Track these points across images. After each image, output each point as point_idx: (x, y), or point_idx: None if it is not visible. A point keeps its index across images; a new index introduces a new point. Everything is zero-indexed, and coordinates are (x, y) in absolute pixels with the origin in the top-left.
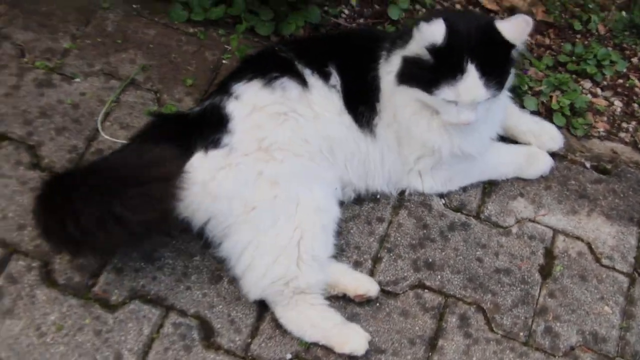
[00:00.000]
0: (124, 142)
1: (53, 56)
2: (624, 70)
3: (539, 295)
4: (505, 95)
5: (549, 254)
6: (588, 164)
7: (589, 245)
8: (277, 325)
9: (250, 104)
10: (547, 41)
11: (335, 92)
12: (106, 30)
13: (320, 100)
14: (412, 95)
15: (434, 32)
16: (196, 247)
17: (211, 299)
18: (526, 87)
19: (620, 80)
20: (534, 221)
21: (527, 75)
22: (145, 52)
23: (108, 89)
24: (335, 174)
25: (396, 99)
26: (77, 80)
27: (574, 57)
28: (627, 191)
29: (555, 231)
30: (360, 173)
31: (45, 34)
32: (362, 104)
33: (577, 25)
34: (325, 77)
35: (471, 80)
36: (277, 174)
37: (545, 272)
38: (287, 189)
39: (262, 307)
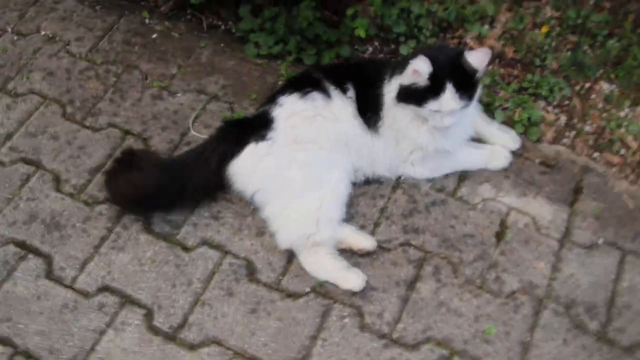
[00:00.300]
0: (205, 137)
1: (165, 79)
2: (569, 94)
3: (493, 253)
4: (474, 107)
5: (503, 224)
6: (537, 161)
7: (533, 219)
8: (301, 268)
9: (290, 110)
10: (515, 72)
11: (350, 102)
12: (201, 62)
13: (339, 108)
14: (407, 109)
15: (422, 67)
16: (248, 211)
17: (256, 247)
18: (497, 104)
19: (566, 102)
20: (494, 200)
21: (499, 95)
22: (225, 76)
23: (198, 101)
24: (349, 161)
25: (395, 111)
26: (179, 95)
27: (533, 84)
28: (564, 181)
29: (510, 208)
30: (367, 161)
31: (161, 64)
32: (370, 111)
33: (537, 62)
34: (344, 91)
35: (449, 95)
36: (306, 160)
37: (500, 237)
38: (313, 171)
39: (291, 255)
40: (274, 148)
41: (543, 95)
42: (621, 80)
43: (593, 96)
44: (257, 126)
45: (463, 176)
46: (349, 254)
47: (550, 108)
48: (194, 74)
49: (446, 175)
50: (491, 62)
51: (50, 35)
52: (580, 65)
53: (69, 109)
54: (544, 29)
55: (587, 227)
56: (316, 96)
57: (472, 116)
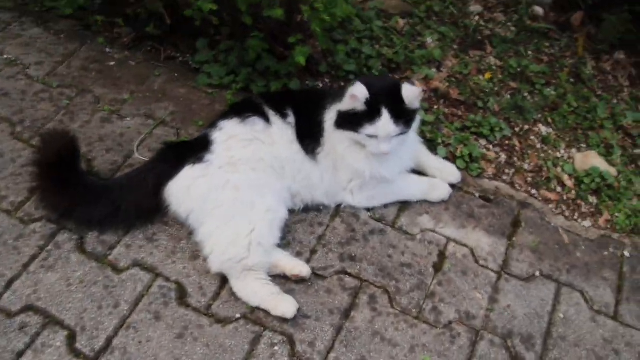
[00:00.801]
0: (147, 159)
1: (116, 103)
2: (509, 134)
3: (430, 284)
4: (414, 139)
5: (442, 255)
6: (477, 194)
7: (471, 250)
8: (232, 293)
9: (228, 133)
10: (459, 112)
11: (290, 127)
12: (153, 89)
13: (278, 132)
14: (345, 135)
15: (360, 92)
16: (184, 234)
17: (188, 271)
18: (440, 141)
19: (507, 142)
20: (433, 231)
21: (442, 132)
22: (175, 103)
23: (146, 125)
24: (284, 185)
25: (334, 137)
26: (128, 119)
27: (475, 124)
28: (502, 214)
29: (448, 239)
30: (305, 185)
31: (114, 89)
32: (309, 137)
33: (480, 104)
34: (284, 116)
35: (385, 120)
36: (240, 182)
37: (437, 267)
38: (246, 193)
39: (224, 279)
40: (209, 170)
41: (484, 135)
42: (557, 123)
43: (532, 137)
44: (196, 149)
45: (403, 207)
46: (282, 280)
47: (491, 147)
48: (145, 100)
49: (386, 206)
50: (436, 102)
51: (12, 59)
52: (520, 109)
53: (18, 128)
54: (487, 75)
55: (524, 259)
56: (256, 121)
57: (412, 147)
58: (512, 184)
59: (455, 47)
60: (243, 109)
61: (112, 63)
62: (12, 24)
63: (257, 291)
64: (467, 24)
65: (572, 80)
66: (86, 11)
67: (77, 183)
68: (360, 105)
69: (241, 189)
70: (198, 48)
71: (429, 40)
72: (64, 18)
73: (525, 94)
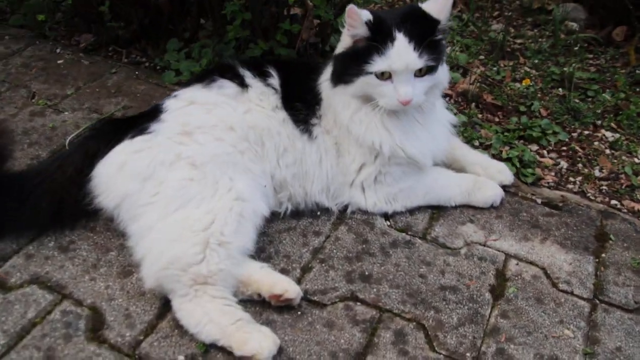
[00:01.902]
0: None
1: (55, 98)
2: (567, 140)
3: (489, 315)
4: (446, 115)
5: (501, 276)
6: (539, 201)
7: (543, 269)
8: (178, 326)
9: (187, 99)
10: (496, 119)
11: (273, 91)
12: (106, 85)
13: (256, 97)
14: (348, 92)
15: (358, 11)
16: (115, 243)
17: (113, 292)
18: (477, 143)
19: (564, 147)
20: (484, 245)
21: (479, 133)
22: (131, 99)
23: (88, 119)
24: (263, 168)
25: (335, 101)
26: (66, 113)
27: (520, 126)
28: (580, 225)
29: (507, 255)
30: (294, 173)
31: (57, 85)
32: (299, 101)
33: (522, 108)
34: (264, 77)
35: (401, 45)
36: (196, 156)
37: (497, 292)
38: (205, 173)
39: (166, 306)
40: (154, 141)
41: (534, 137)
42: (626, 128)
43: (596, 143)
44: (140, 120)
45: (436, 214)
46: (257, 307)
47: (545, 152)
48: (92, 95)
49: (411, 212)
50: (466, 105)
51: None
52: (574, 113)
53: None
54: (526, 82)
55: (626, 282)
56: (225, 84)
57: (446, 123)
58: (582, 193)
59: (482, 57)
60: (206, 75)
61: (61, 61)
62: None
63: (214, 318)
64: (491, 38)
65: (631, 86)
66: (43, 22)
67: None
68: (362, 31)
69: (199, 166)
70: (168, 49)
71: (452, 47)
72: (16, 27)
73: (577, 100)
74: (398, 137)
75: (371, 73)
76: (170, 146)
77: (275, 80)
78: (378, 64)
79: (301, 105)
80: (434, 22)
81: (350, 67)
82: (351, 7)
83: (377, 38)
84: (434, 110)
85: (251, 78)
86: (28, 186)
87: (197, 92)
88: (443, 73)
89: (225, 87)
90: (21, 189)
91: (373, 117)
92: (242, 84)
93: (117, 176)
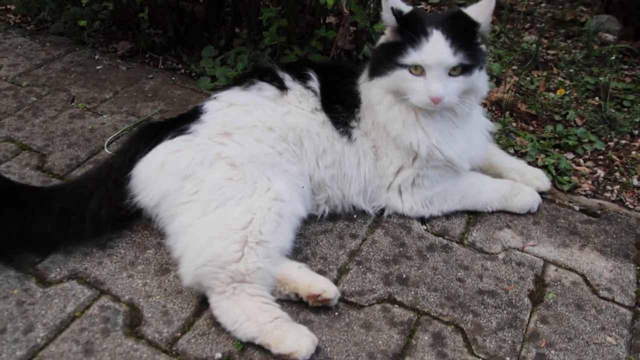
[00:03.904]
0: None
1: (93, 102)
2: (603, 149)
3: (529, 320)
4: (484, 121)
5: (540, 281)
6: (577, 207)
7: (583, 276)
8: (215, 323)
9: (226, 101)
10: (531, 128)
11: (312, 94)
12: (143, 90)
13: (295, 99)
14: (383, 84)
15: (401, 4)
16: (153, 242)
17: (150, 289)
18: (513, 150)
19: (600, 156)
20: (522, 250)
21: (514, 140)
22: (167, 103)
23: (126, 122)
24: (301, 169)
25: (370, 94)
26: (104, 115)
27: (555, 135)
28: (619, 232)
29: (546, 261)
30: (332, 175)
31: (95, 89)
32: (338, 104)
33: (557, 117)
34: (304, 80)
35: (436, 41)
36: (236, 156)
37: (536, 298)
38: (244, 172)
39: (203, 304)
40: (194, 141)
41: (570, 146)
42: None
43: (633, 152)
44: (181, 121)
45: (473, 219)
46: (294, 307)
47: (581, 160)
48: (130, 99)
49: (447, 217)
50: (500, 114)
51: None
52: (610, 123)
53: None
54: (561, 91)
55: None
56: (265, 87)
57: (483, 128)
58: (620, 202)
59: (514, 67)
60: (245, 78)
61: (99, 67)
62: None
63: (251, 315)
64: (524, 48)
65: None
66: (82, 29)
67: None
68: (388, 17)
69: (238, 166)
70: (203, 56)
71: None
72: (56, 35)
73: (612, 110)
74: (435, 138)
75: (405, 67)
76: (210, 146)
77: (314, 83)
78: (412, 56)
79: (340, 108)
80: (473, 24)
81: (387, 59)
82: (393, 2)
83: (409, 31)
84: (470, 116)
85: (290, 81)
86: (84, 198)
87: (237, 94)
88: (482, 80)
89: (265, 90)
90: (78, 203)
91: (407, 115)
92: (282, 87)
93: (156, 175)
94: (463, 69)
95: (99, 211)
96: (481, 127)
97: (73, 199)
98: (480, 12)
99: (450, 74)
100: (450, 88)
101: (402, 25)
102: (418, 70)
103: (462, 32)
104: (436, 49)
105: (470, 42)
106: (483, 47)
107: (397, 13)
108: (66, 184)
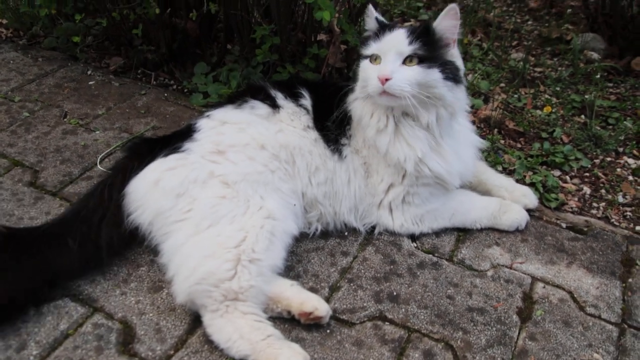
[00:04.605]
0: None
1: (86, 118)
2: (589, 166)
3: (517, 337)
4: (473, 138)
5: (528, 299)
6: (564, 225)
7: (570, 293)
8: (208, 341)
9: (219, 119)
10: (519, 145)
11: (304, 112)
12: (136, 106)
13: (287, 117)
14: (358, 85)
15: (374, 11)
16: (146, 259)
17: (143, 307)
18: (501, 168)
19: (587, 173)
20: (510, 268)
21: (502, 158)
22: (160, 120)
23: (118, 138)
24: (293, 187)
25: (355, 109)
26: (97, 132)
27: (543, 152)
28: (605, 250)
29: (534, 278)
30: (326, 190)
31: (88, 105)
32: (330, 121)
33: (544, 134)
34: (296, 98)
35: (396, 34)
36: (229, 175)
37: (524, 315)
38: (237, 191)
39: (196, 322)
40: (188, 160)
41: (557, 163)
42: None
43: (618, 169)
44: (174, 139)
45: (462, 236)
46: (285, 325)
47: (567, 178)
48: (123, 115)
49: (437, 234)
50: (488, 131)
51: None
52: (595, 140)
53: None
54: (547, 109)
55: None
56: (256, 105)
57: (472, 145)
58: (606, 219)
59: (502, 84)
60: (237, 96)
61: (92, 82)
62: None
63: (244, 333)
64: (511, 66)
65: None
66: (75, 44)
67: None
68: (372, 24)
69: (231, 184)
70: (195, 72)
71: (473, 75)
72: (48, 50)
73: (598, 127)
74: (420, 150)
75: (366, 57)
76: (203, 164)
77: (306, 101)
78: (371, 47)
79: (332, 126)
80: (432, 27)
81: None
82: (370, 5)
83: (381, 29)
84: (455, 130)
85: (282, 99)
86: (94, 227)
87: (230, 112)
88: (460, 94)
89: (257, 108)
90: (88, 235)
91: (394, 133)
92: (274, 105)
93: (150, 193)
94: (420, 61)
95: (112, 240)
96: (470, 143)
97: (82, 230)
98: (445, 15)
99: (405, 64)
100: (402, 74)
101: (381, 30)
102: (377, 61)
103: (422, 31)
104: (393, 38)
105: (432, 42)
106: (458, 62)
107: (380, 22)
108: (69, 213)
